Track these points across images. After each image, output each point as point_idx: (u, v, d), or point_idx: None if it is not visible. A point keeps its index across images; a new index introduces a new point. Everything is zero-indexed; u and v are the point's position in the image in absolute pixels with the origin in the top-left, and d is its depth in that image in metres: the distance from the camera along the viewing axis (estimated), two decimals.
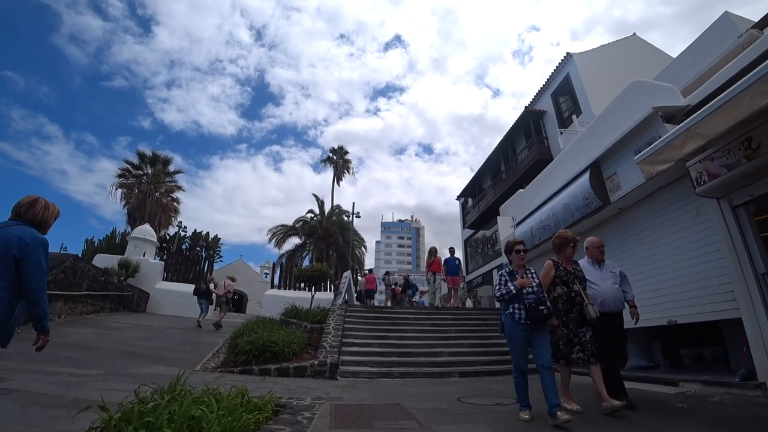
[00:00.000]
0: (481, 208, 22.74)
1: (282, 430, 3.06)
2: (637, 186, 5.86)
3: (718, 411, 3.84)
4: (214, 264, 34.13)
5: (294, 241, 32.08)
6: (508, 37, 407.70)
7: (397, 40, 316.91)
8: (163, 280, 18.24)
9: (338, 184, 36.60)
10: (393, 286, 17.95)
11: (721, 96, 3.61)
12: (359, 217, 27.70)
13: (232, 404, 3.15)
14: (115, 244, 23.85)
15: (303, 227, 31.54)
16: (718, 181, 4.48)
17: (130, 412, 2.55)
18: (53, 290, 9.76)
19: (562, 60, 17.44)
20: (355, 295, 16.53)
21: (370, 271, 20.14)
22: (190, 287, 15.33)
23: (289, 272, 19.48)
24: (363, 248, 34.73)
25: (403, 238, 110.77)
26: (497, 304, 18.02)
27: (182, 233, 29.94)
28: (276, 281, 20.92)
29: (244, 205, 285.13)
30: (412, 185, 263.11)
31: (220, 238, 38.52)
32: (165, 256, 25.26)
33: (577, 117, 14.46)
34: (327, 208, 32.69)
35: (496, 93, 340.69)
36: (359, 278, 21.69)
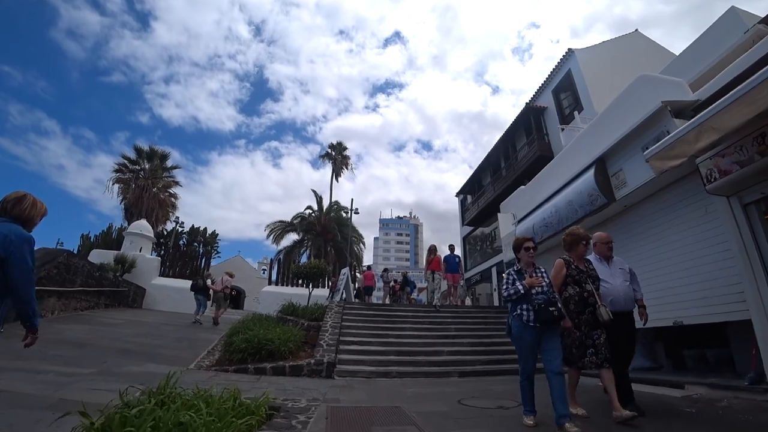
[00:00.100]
0: (481, 205, 22.60)
1: None
2: (644, 183, 5.70)
3: (729, 417, 3.71)
4: (212, 260, 33.95)
5: (292, 237, 31.93)
6: (507, 34, 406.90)
7: (397, 37, 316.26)
8: (159, 275, 18.07)
9: (337, 180, 36.50)
10: (391, 283, 17.83)
11: (736, 89, 3.45)
12: (358, 213, 27.64)
13: (223, 408, 3.00)
14: (111, 239, 23.61)
15: (301, 223, 31.35)
16: (730, 177, 4.32)
17: (111, 418, 2.40)
18: (46, 286, 9.60)
19: (563, 56, 17.24)
20: (354, 292, 16.40)
21: (369, 267, 20.01)
22: (187, 283, 15.19)
23: (287, 268, 19.29)
24: (361, 245, 34.60)
25: (401, 234, 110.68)
26: (496, 302, 18.01)
27: (179, 229, 29.77)
28: (274, 277, 20.69)
29: (242, 200, 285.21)
30: (411, 182, 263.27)
31: (218, 234, 38.36)
32: (162, 252, 25.06)
33: (579, 113, 14.28)
34: (325, 204, 32.53)
35: (496, 90, 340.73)
36: (357, 275, 21.58)
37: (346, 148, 37.59)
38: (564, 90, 17.24)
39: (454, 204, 29.36)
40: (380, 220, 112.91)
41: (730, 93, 3.53)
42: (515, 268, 3.74)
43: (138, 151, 27.14)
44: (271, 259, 23.85)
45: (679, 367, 6.33)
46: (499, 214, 11.14)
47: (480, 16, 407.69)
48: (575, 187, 6.97)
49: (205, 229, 36.24)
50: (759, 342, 4.33)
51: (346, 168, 37.43)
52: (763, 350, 4.29)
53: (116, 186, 25.81)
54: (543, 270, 3.69)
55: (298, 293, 14.31)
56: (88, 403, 3.54)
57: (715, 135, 3.61)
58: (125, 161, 26.68)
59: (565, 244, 4.03)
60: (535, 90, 19.38)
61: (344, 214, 30.91)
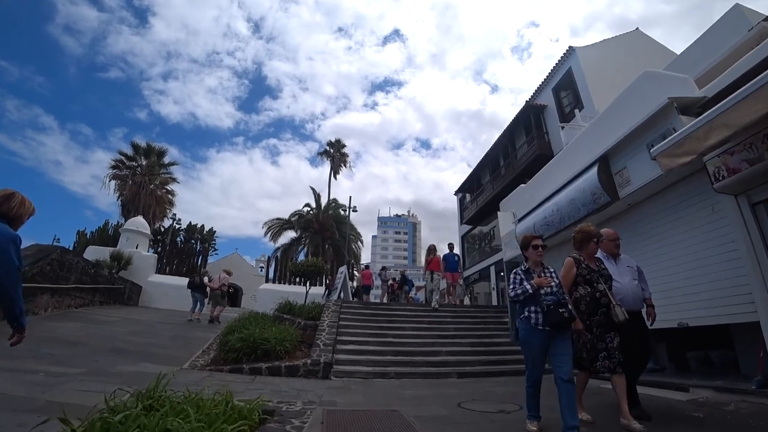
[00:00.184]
0: (480, 204, 22.48)
1: None
2: (649, 181, 5.57)
3: (738, 422, 3.59)
4: (209, 257, 33.81)
5: (290, 234, 31.74)
6: (507, 32, 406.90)
7: (396, 34, 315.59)
8: (156, 273, 17.92)
9: (335, 178, 36.30)
10: (390, 282, 17.73)
11: (748, 85, 3.32)
12: (356, 211, 27.48)
13: (214, 413, 2.87)
14: (107, 236, 23.46)
15: (299, 221, 31.17)
16: (739, 176, 4.20)
17: (93, 425, 2.26)
18: (39, 283, 9.45)
19: (564, 54, 17.11)
20: (353, 291, 16.27)
21: (367, 267, 19.90)
22: (183, 280, 15.03)
23: (285, 266, 19.14)
24: (359, 243, 34.46)
25: (399, 233, 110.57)
26: (495, 301, 17.91)
27: (176, 226, 29.58)
28: (271, 275, 20.55)
29: (240, 198, 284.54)
30: (410, 180, 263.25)
31: (215, 231, 38.22)
32: (159, 249, 24.88)
33: (579, 111, 14.16)
34: (323, 201, 32.32)
35: (495, 89, 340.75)
36: (356, 273, 21.46)
37: (344, 146, 37.41)
38: (564, 88, 17.12)
39: (453, 203, 29.30)
40: (378, 218, 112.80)
41: (742, 89, 3.40)
42: (522, 267, 3.57)
43: (135, 147, 26.99)
44: (269, 257, 23.67)
45: (683, 369, 6.23)
46: (498, 212, 10.98)
47: (479, 15, 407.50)
48: (578, 185, 6.84)
49: (203, 226, 36.15)
50: (767, 344, 4.21)
51: (345, 166, 37.24)
52: None
53: (113, 182, 25.70)
54: (552, 270, 3.53)
55: (295, 291, 14.18)
56: (76, 405, 3.43)
57: (725, 132, 3.48)
58: (122, 157, 26.53)
59: (575, 241, 3.86)
60: (535, 88, 19.25)
61: (342, 212, 30.74)
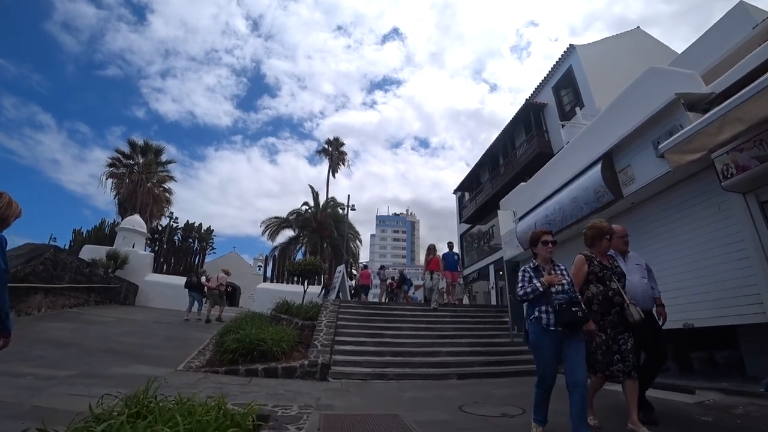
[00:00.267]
0: (479, 203, 22.37)
1: None
2: (654, 179, 5.45)
3: (749, 427, 3.48)
4: (207, 256, 33.68)
5: (287, 233, 31.53)
6: (506, 32, 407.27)
7: (395, 33, 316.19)
8: (153, 272, 17.76)
9: (333, 176, 36.12)
10: (389, 281, 17.62)
11: (765, 76, 3.20)
12: (354, 209, 27.29)
13: (205, 420, 2.73)
14: (103, 234, 23.27)
15: (297, 219, 30.97)
16: (748, 173, 4.08)
17: None
18: (32, 283, 9.31)
19: (564, 52, 17.00)
20: (352, 291, 16.15)
21: (365, 267, 19.79)
22: (180, 279, 14.89)
23: (282, 265, 19.01)
24: (358, 241, 34.32)
25: (398, 231, 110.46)
26: (494, 301, 17.77)
27: (174, 225, 29.37)
28: (269, 274, 20.41)
29: (238, 196, 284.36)
30: (408, 179, 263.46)
31: (213, 230, 37.94)
32: (156, 248, 24.72)
33: (580, 109, 14.06)
34: (322, 200, 32.15)
35: (494, 88, 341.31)
36: (354, 272, 21.35)
37: (342, 144, 37.23)
38: (565, 86, 17.02)
39: (451, 201, 29.17)
40: (377, 217, 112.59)
41: (758, 81, 3.29)
42: (531, 264, 3.36)
43: (132, 145, 26.76)
44: (266, 256, 23.55)
45: (687, 369, 6.12)
46: (498, 211, 10.86)
47: (479, 14, 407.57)
48: (580, 183, 6.72)
49: (200, 225, 35.83)
50: None
51: (343, 164, 37.05)
52: None
53: (110, 181, 25.47)
54: (563, 267, 3.33)
55: (293, 290, 14.06)
56: (63, 411, 3.30)
57: (740, 126, 3.35)
58: (119, 155, 26.30)
59: (586, 238, 3.67)
60: (535, 87, 19.14)
61: (341, 211, 30.57)
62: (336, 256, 27.30)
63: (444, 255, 12.55)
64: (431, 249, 11.93)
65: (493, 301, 19.58)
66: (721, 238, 4.81)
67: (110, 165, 25.91)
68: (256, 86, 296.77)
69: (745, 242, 4.47)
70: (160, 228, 29.07)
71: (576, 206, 6.79)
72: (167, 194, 27.74)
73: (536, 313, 3.13)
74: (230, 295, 22.37)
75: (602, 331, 3.33)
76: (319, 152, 37.72)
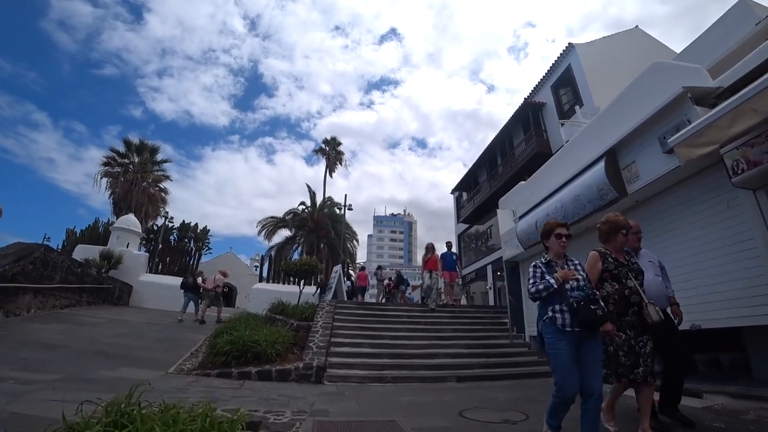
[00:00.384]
0: (476, 203, 22.26)
1: None
2: (659, 176, 5.30)
3: None
4: (203, 256, 33.35)
5: (284, 233, 31.31)
6: (503, 32, 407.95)
7: (393, 33, 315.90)
8: (147, 272, 17.52)
9: (330, 176, 35.91)
10: (386, 281, 17.46)
11: None
12: (351, 209, 27.07)
13: (189, 429, 2.55)
14: (97, 234, 22.92)
15: (293, 219, 30.75)
16: (759, 169, 3.92)
17: None
18: (21, 283, 9.08)
19: (563, 50, 16.93)
20: (349, 291, 15.96)
21: (363, 268, 19.63)
22: (175, 280, 14.66)
23: (279, 265, 18.80)
24: (355, 242, 34.10)
25: (395, 232, 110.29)
26: (491, 301, 17.61)
27: (169, 224, 29.09)
28: (265, 274, 20.19)
29: (235, 196, 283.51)
30: (405, 179, 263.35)
31: (209, 230, 37.56)
32: (151, 248, 24.42)
33: (579, 108, 13.94)
34: (318, 200, 31.97)
35: (491, 88, 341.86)
36: (351, 273, 21.18)
37: (340, 144, 37.06)
38: (564, 85, 16.93)
39: (449, 202, 29.05)
40: (374, 217, 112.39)
41: None
42: (542, 259, 3.06)
43: (127, 144, 26.48)
44: (262, 256, 23.32)
45: (691, 372, 5.96)
46: (498, 210, 10.70)
47: (476, 15, 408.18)
48: (583, 181, 6.56)
49: (196, 224, 35.46)
50: None
51: (340, 164, 36.89)
52: None
53: (105, 180, 25.19)
54: (577, 261, 3.06)
55: (289, 291, 13.87)
56: (42, 419, 3.10)
57: (754, 119, 3.20)
58: (114, 154, 26.01)
59: (600, 233, 3.41)
60: (533, 86, 19.06)
61: (338, 211, 30.32)
62: (333, 257, 27.11)
63: (443, 255, 12.38)
64: (430, 248, 11.75)
65: (491, 302, 19.46)
66: (730, 237, 4.67)
67: (105, 164, 25.63)
68: (253, 86, 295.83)
69: (755, 241, 4.33)
70: (155, 228, 28.80)
71: (578, 204, 6.63)
72: (163, 194, 27.51)
73: (550, 313, 2.84)
74: (227, 295, 22.18)
75: (621, 332, 3.09)
76: (316, 152, 37.60)
